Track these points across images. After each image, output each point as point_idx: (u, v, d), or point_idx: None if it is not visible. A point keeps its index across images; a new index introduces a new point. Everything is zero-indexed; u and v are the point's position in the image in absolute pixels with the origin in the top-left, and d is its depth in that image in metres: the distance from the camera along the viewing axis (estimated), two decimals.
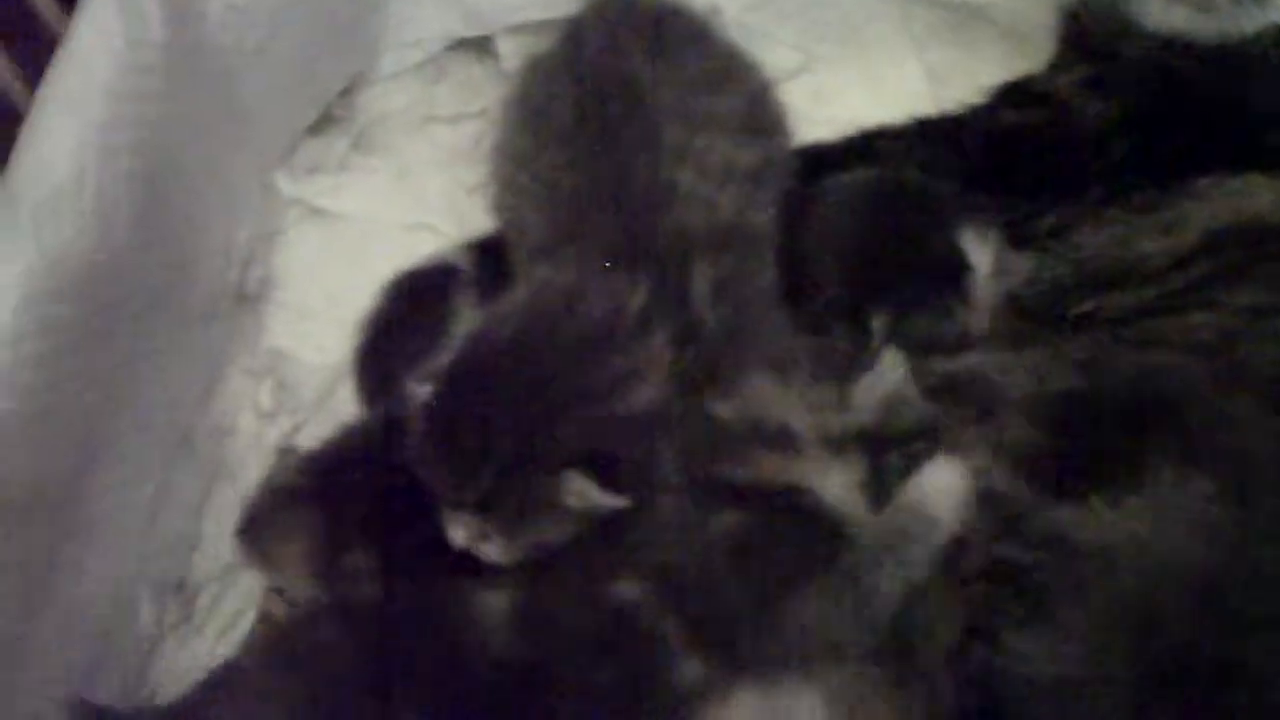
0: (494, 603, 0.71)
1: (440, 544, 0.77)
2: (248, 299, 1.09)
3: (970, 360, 0.80)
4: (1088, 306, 0.80)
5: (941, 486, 0.72)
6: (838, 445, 0.73)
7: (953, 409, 0.76)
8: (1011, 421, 0.74)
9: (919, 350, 0.79)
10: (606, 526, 0.71)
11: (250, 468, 1.01)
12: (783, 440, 0.73)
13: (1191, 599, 0.65)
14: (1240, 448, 0.68)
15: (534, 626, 0.70)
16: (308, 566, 0.81)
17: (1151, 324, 0.75)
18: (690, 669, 0.68)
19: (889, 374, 0.75)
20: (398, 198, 1.12)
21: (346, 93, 1.18)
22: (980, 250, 0.87)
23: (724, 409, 0.75)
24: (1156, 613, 0.65)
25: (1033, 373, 0.76)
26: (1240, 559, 0.65)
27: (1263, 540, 0.66)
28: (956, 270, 0.86)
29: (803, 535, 0.70)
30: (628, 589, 0.69)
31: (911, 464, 0.72)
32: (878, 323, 0.84)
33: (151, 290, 0.92)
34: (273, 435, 1.03)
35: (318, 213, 1.13)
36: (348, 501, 0.82)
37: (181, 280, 0.98)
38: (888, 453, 0.72)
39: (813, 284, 0.88)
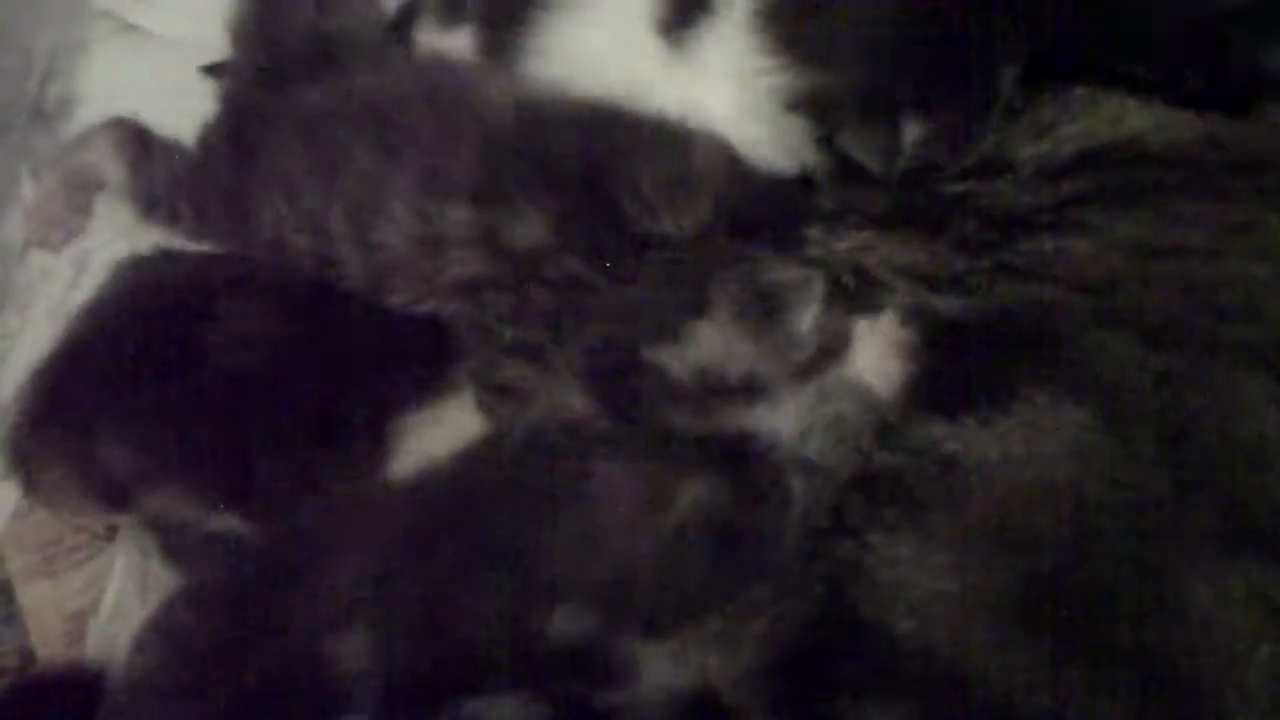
0: None
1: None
2: (45, 115, 1.02)
3: (860, 239, 0.76)
4: (959, 188, 0.75)
5: (876, 356, 0.72)
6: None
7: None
8: None
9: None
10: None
11: (39, 298, 0.95)
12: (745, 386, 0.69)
13: (1064, 522, 0.63)
14: (1116, 381, 0.66)
15: None
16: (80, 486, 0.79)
17: (1032, 246, 0.72)
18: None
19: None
20: (215, 23, 1.03)
21: None
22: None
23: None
24: (1029, 533, 0.64)
25: (913, 278, 0.74)
26: (1114, 486, 0.64)
27: (1137, 471, 0.64)
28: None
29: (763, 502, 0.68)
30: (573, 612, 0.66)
31: None
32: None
33: None
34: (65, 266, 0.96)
35: (129, 29, 1.05)
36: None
37: None
38: None
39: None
